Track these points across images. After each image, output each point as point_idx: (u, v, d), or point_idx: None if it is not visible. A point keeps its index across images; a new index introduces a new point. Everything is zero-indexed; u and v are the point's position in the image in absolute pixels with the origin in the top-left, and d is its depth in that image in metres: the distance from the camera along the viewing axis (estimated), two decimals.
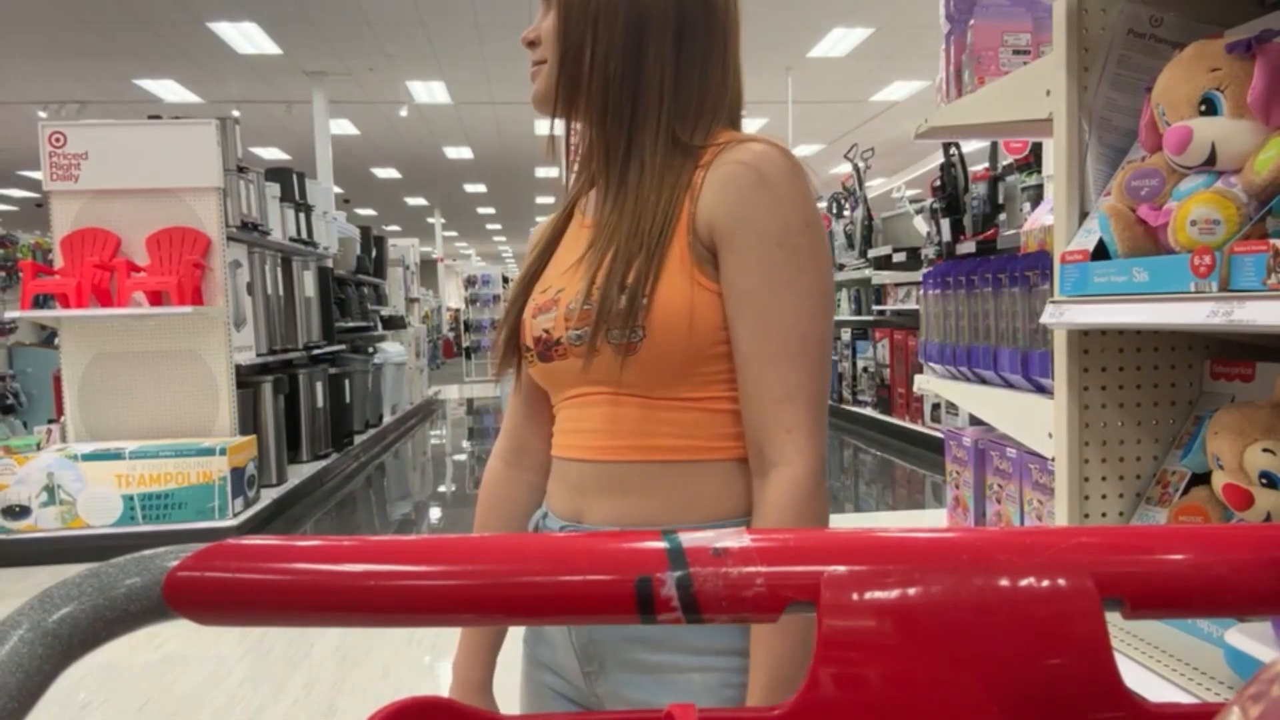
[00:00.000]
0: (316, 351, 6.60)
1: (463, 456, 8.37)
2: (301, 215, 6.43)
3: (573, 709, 0.98)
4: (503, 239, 29.01)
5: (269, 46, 9.27)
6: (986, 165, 4.59)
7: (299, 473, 5.84)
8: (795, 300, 0.86)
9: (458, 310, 20.15)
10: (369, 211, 21.63)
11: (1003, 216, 4.11)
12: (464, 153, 14.79)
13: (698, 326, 0.87)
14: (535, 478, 1.05)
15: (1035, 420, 1.42)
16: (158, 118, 5.32)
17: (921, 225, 7.24)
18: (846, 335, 8.55)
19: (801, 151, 14.65)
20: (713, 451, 0.90)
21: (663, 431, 0.90)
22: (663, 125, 0.93)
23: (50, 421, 5.20)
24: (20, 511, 4.45)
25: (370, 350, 8.43)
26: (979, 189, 4.20)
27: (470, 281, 16.79)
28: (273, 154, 14.08)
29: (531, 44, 0.97)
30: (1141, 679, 1.06)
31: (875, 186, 11.25)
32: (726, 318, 0.87)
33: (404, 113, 11.70)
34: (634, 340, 0.87)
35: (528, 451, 1.05)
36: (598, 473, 0.92)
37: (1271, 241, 0.85)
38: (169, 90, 10.69)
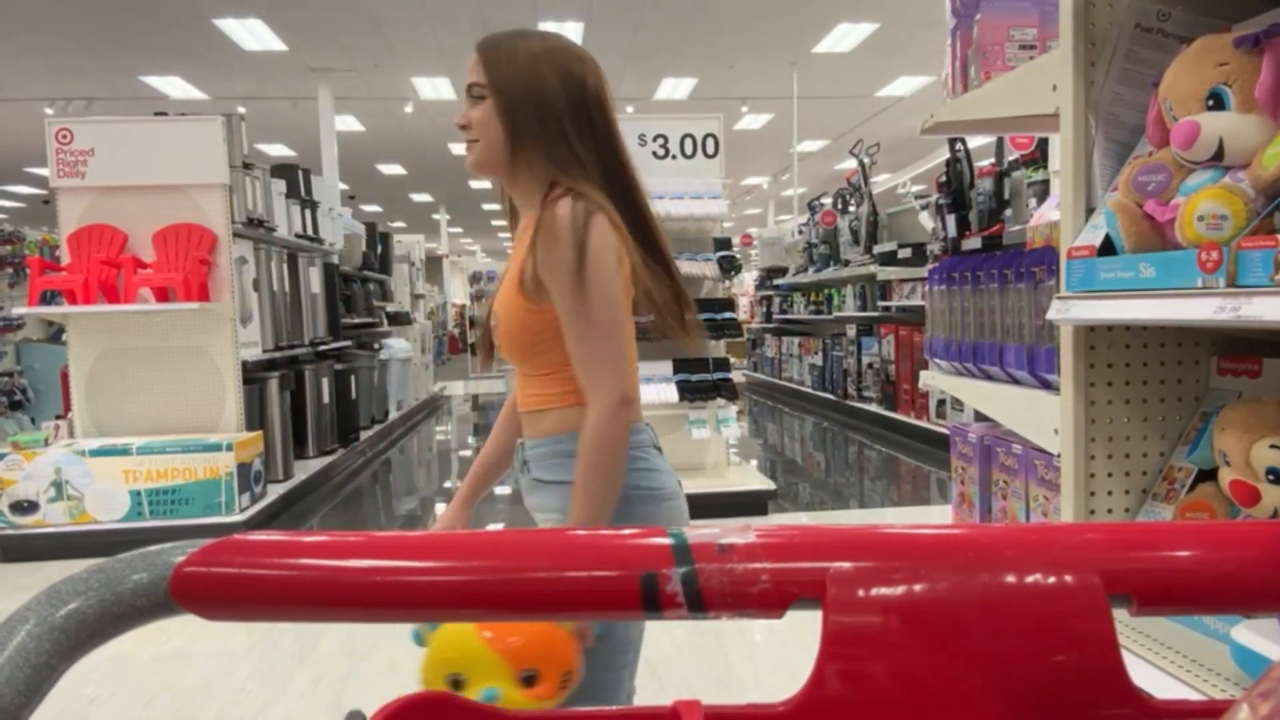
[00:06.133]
0: (322, 347, 6.61)
1: (468, 452, 8.38)
2: (307, 211, 6.43)
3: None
4: (507, 235, 28.93)
5: (274, 43, 9.28)
6: (992, 160, 4.57)
7: (305, 468, 5.85)
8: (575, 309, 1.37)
9: (463, 306, 20.16)
10: (374, 208, 21.64)
11: (1008, 212, 4.10)
12: None
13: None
14: None
15: (1041, 416, 1.41)
16: (164, 114, 5.33)
17: (927, 221, 7.22)
18: (852, 331, 8.53)
19: (806, 147, 14.62)
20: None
21: (535, 394, 1.39)
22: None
23: (58, 417, 5.22)
24: (28, 507, 4.46)
25: (376, 346, 8.43)
26: (985, 184, 4.18)
27: (475, 278, 16.80)
28: (278, 150, 14.10)
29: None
30: (1147, 675, 1.05)
31: (880, 182, 11.22)
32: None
33: (409, 109, 11.70)
34: (500, 343, 1.41)
35: None
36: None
37: (1279, 237, 0.85)
38: (175, 87, 10.71)
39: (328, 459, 6.28)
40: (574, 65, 1.35)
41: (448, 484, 6.89)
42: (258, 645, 3.32)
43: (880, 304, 8.14)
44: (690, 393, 4.99)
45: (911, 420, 7.24)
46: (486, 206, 22.00)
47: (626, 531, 0.39)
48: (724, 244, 5.29)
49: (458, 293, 25.97)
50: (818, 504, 5.74)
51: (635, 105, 11.54)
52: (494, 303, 1.42)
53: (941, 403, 6.67)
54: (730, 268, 5.21)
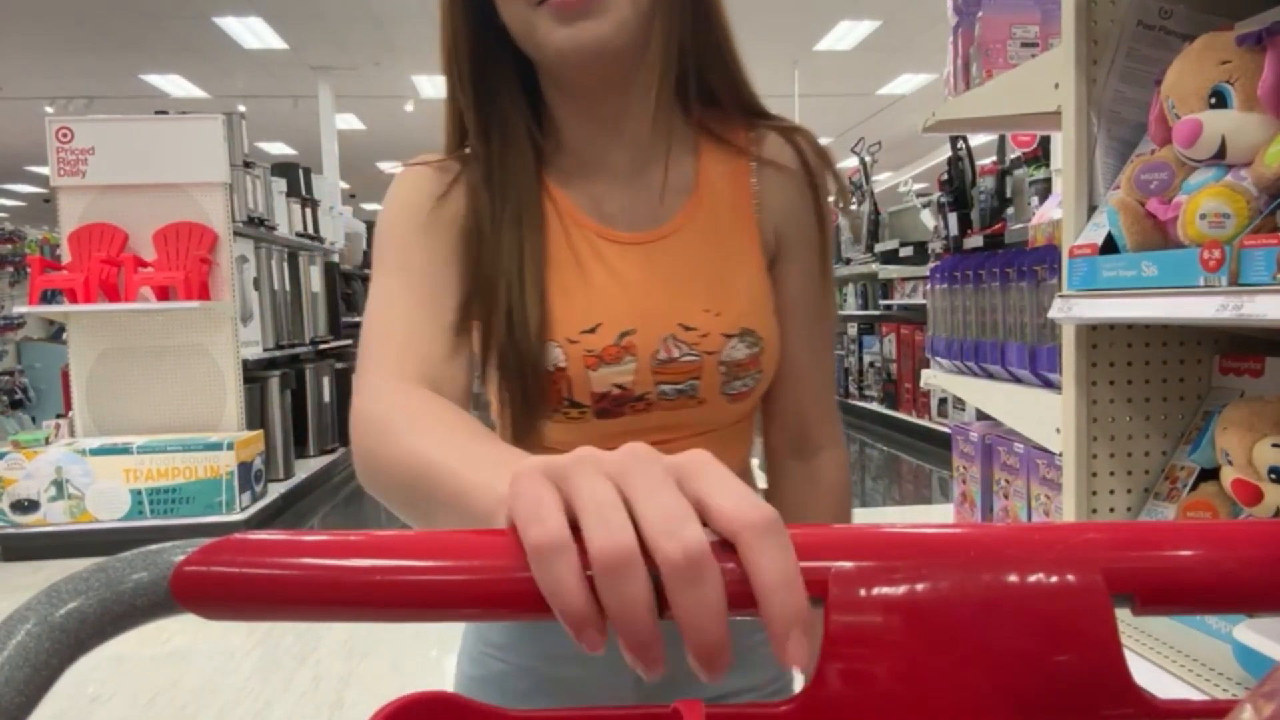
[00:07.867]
0: (323, 346, 6.61)
1: None
2: (308, 210, 6.43)
3: None
4: None
5: (275, 41, 9.28)
6: (994, 159, 4.57)
7: (306, 467, 5.86)
8: (834, 305, 0.83)
9: None
10: (375, 206, 21.65)
11: (1010, 210, 4.09)
12: None
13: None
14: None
15: (1042, 415, 1.41)
16: (164, 113, 5.33)
17: (928, 219, 7.22)
18: (853, 330, 8.53)
19: None
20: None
21: (734, 454, 0.82)
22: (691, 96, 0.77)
23: (59, 416, 5.22)
24: (29, 506, 4.47)
25: None
26: (986, 183, 4.18)
27: None
28: (279, 149, 14.10)
29: None
30: (1150, 675, 1.05)
31: (882, 180, 11.21)
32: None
33: (410, 107, 11.70)
34: (752, 387, 0.77)
35: (445, 389, 0.73)
36: None
37: None
38: (175, 85, 10.71)
39: (328, 458, 6.28)
40: None
41: None
42: (258, 645, 3.32)
43: (882, 302, 8.14)
44: None
45: (913, 419, 7.24)
46: None
47: None
48: None
49: None
50: None
51: None
52: (727, 320, 0.74)
53: (943, 401, 6.67)
54: None
